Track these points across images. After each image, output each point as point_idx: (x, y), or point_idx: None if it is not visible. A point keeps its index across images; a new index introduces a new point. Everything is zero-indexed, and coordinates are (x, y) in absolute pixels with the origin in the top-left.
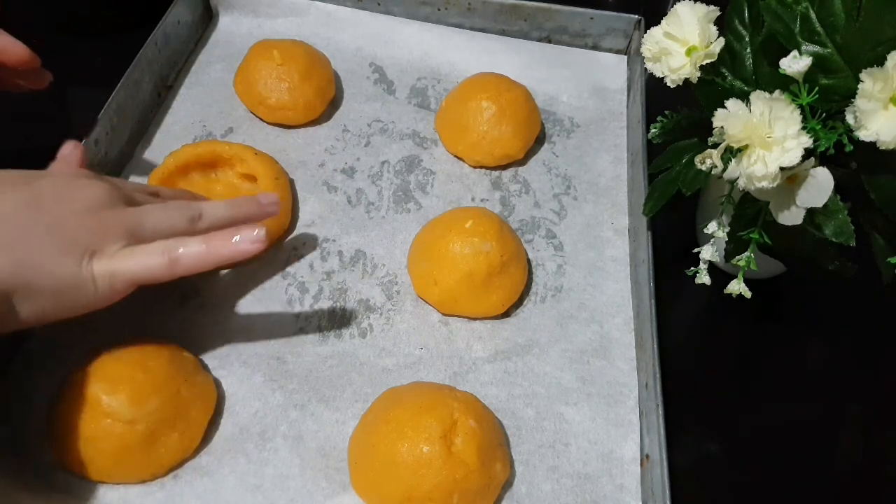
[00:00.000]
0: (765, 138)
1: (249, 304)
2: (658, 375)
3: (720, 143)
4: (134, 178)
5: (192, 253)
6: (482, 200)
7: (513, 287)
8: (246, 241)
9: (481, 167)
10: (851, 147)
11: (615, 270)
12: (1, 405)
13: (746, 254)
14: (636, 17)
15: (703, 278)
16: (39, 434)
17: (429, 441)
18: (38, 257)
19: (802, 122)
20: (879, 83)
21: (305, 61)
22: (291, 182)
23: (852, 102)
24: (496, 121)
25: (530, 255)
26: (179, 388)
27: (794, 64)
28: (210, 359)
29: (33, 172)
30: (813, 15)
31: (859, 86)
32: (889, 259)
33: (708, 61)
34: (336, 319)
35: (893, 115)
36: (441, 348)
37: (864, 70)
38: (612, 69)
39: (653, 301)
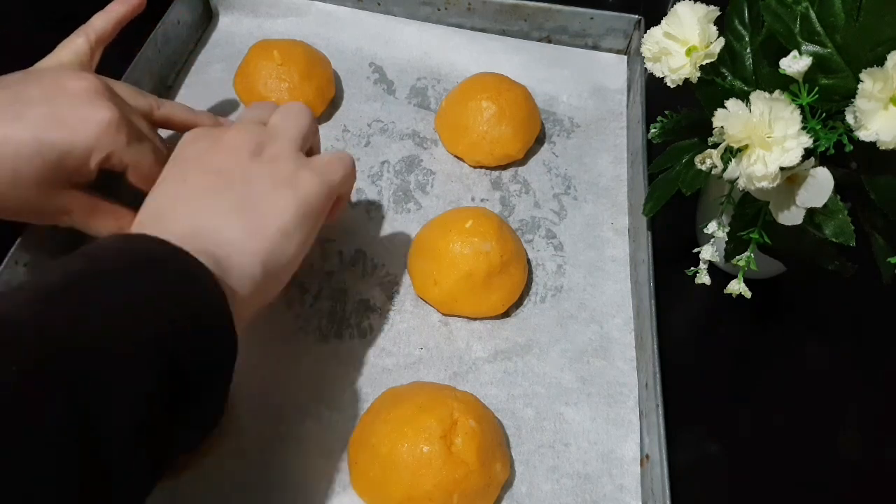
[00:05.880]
0: (765, 138)
1: None
2: (658, 375)
3: (720, 143)
4: None
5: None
6: (482, 200)
7: (513, 287)
8: None
9: (481, 167)
10: (851, 147)
11: (615, 270)
12: None
13: (746, 254)
14: (636, 17)
15: (703, 278)
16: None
17: (429, 441)
18: (266, 209)
19: (802, 122)
20: (879, 83)
21: (305, 61)
22: None
23: (852, 102)
24: (496, 121)
25: (530, 255)
26: None
27: (794, 64)
28: None
29: (177, 151)
30: (813, 15)
31: (859, 86)
32: (889, 259)
33: (708, 61)
34: (336, 319)
35: (893, 115)
36: (441, 348)
37: (864, 70)
38: (612, 69)
39: (653, 301)
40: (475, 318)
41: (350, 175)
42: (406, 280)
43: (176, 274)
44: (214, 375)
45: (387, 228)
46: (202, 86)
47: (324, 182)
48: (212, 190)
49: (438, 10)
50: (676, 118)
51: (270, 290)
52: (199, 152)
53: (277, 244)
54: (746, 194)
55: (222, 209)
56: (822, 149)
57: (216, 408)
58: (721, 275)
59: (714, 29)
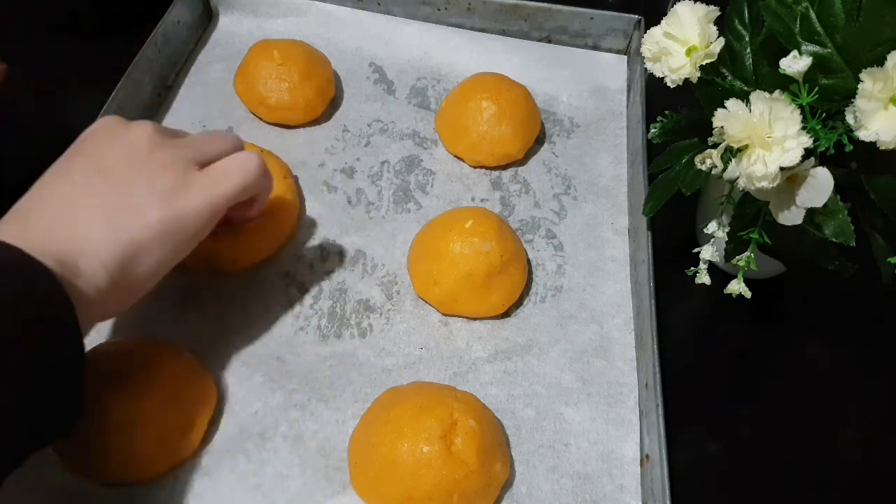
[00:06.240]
0: (765, 138)
1: (249, 304)
2: (658, 375)
3: (720, 143)
4: None
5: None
6: (482, 200)
7: (513, 287)
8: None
9: (481, 167)
10: (851, 147)
11: (615, 270)
12: None
13: (746, 254)
14: (636, 17)
15: (703, 278)
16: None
17: (429, 441)
18: (131, 220)
19: (802, 122)
20: (879, 83)
21: (305, 61)
22: (295, 179)
23: (852, 102)
24: (496, 121)
25: (530, 255)
26: (179, 388)
27: (794, 64)
28: (210, 359)
29: (77, 141)
30: (813, 15)
31: (859, 86)
32: (889, 259)
33: (708, 61)
34: (336, 319)
35: (893, 115)
36: (441, 348)
37: (864, 70)
38: (612, 69)
39: (653, 301)
40: (475, 318)
41: (252, 181)
42: (406, 280)
43: (22, 277)
44: (60, 375)
45: (387, 228)
46: (202, 86)
47: (207, 199)
48: (88, 192)
49: (438, 10)
50: (676, 118)
51: (123, 300)
52: (94, 149)
53: (131, 258)
54: (746, 194)
55: (89, 214)
56: (822, 149)
57: (69, 404)
58: (721, 275)
59: (714, 29)
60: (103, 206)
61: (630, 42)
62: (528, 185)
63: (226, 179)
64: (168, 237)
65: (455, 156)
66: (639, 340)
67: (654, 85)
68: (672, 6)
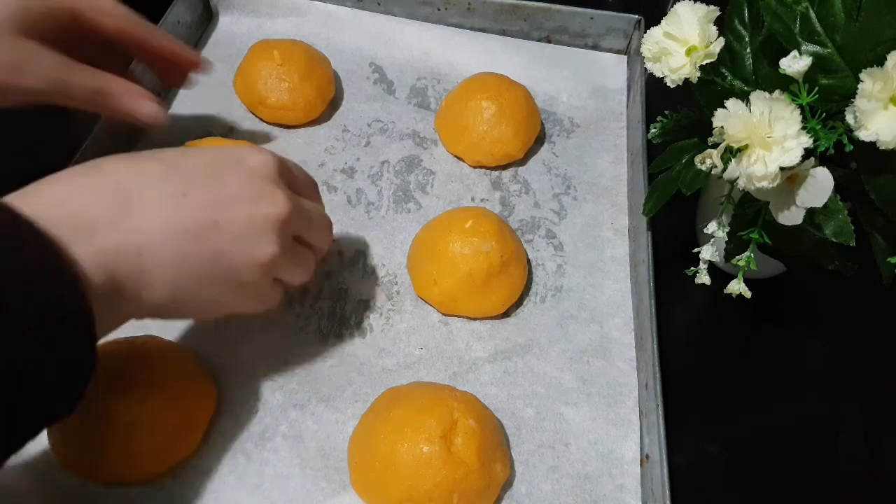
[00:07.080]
0: (765, 138)
1: None
2: (658, 375)
3: (720, 143)
4: None
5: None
6: (482, 200)
7: (513, 287)
8: None
9: (481, 167)
10: (851, 147)
11: (615, 270)
12: None
13: (746, 254)
14: (636, 17)
15: (703, 278)
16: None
17: (429, 441)
18: (198, 292)
19: (802, 122)
20: (879, 83)
21: (305, 61)
22: None
23: (852, 102)
24: (496, 121)
25: (530, 255)
26: (179, 388)
27: (794, 64)
28: (210, 359)
29: (234, 147)
30: (813, 15)
31: (859, 86)
32: (889, 259)
33: (708, 61)
34: (336, 319)
35: (893, 115)
36: (441, 348)
37: (864, 70)
38: (612, 69)
39: (653, 301)
40: (475, 318)
41: (302, 275)
42: (406, 280)
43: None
44: (64, 374)
45: (387, 228)
46: (202, 86)
47: (270, 301)
48: (185, 217)
49: (438, 10)
50: (676, 118)
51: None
52: (227, 169)
53: (181, 293)
54: (746, 194)
55: (175, 226)
56: (822, 149)
57: (65, 396)
58: (721, 275)
59: (714, 29)
60: (188, 225)
61: (630, 42)
62: (528, 185)
63: (303, 270)
64: (224, 286)
65: (455, 156)
66: (639, 340)
67: (654, 85)
68: (672, 6)
